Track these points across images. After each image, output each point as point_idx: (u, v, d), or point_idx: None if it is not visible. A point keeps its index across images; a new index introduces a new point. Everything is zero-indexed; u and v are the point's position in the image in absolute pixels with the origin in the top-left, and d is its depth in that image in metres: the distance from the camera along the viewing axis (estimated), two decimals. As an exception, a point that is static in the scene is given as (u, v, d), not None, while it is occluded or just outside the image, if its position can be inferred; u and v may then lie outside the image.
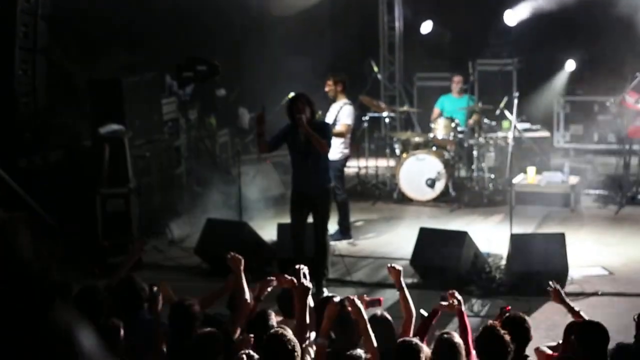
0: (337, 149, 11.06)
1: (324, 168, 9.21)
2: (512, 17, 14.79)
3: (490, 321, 5.53)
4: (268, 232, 10.75)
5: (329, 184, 9.30)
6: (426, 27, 15.34)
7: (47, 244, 8.60)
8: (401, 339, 5.40)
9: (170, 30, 13.72)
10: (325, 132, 9.17)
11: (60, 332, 2.22)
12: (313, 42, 14.98)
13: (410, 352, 5.06)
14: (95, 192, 10.61)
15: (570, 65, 14.93)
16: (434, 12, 15.38)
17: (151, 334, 5.79)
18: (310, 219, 9.27)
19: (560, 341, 5.90)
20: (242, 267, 6.26)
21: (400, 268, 6.38)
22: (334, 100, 11.15)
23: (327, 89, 11.15)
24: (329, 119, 11.14)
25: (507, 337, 5.23)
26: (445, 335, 5.33)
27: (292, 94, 11.42)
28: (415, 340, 5.35)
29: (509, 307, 6.10)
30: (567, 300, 6.22)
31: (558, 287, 6.30)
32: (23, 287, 2.12)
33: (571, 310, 6.12)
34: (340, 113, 11.04)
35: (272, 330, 5.15)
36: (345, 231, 11.24)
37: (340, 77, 11.15)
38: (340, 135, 10.99)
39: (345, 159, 11.27)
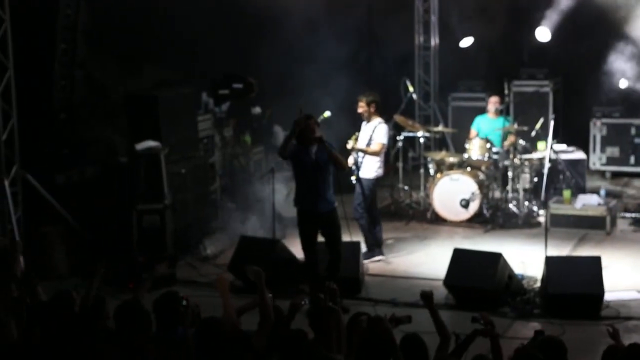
0: (371, 169, 11.07)
1: (329, 187, 9.34)
2: (544, 33, 14.74)
3: (523, 343, 5.49)
4: (301, 251, 10.74)
5: (334, 203, 9.41)
6: (466, 42, 15.30)
7: (86, 262, 8.65)
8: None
9: (208, 47, 13.80)
10: (335, 151, 9.36)
11: None
12: (348, 61, 15.01)
13: None
14: (131, 207, 10.68)
15: (623, 83, 14.77)
16: (470, 30, 15.35)
17: (186, 350, 5.81)
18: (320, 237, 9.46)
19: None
20: (262, 279, 6.28)
21: (431, 292, 6.37)
22: (367, 120, 11.17)
23: (360, 110, 11.16)
24: (362, 138, 11.15)
25: (541, 357, 5.19)
26: (480, 358, 5.31)
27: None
28: None
29: (543, 330, 6.07)
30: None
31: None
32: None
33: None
34: (375, 132, 11.05)
35: (307, 348, 5.16)
36: (372, 249, 11.19)
37: (371, 98, 11.18)
38: (374, 154, 11.01)
39: (378, 180, 11.26)
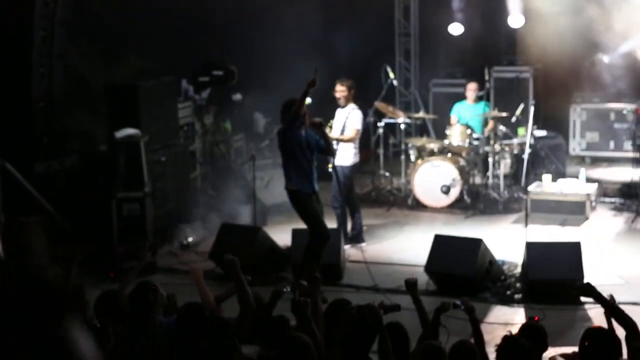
0: (347, 156, 11.06)
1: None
2: (516, 19, 14.77)
3: (510, 330, 5.52)
4: (282, 238, 10.76)
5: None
6: (455, 29, 15.25)
7: (64, 248, 8.65)
8: (426, 342, 5.42)
9: (187, 35, 13.75)
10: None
11: (64, 350, 2.23)
12: (329, 47, 14.99)
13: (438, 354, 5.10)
14: (111, 196, 10.65)
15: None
16: (452, 18, 15.35)
17: (165, 339, 5.81)
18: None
19: (575, 349, 5.89)
20: (237, 267, 6.27)
21: (416, 280, 6.39)
22: (342, 106, 11.15)
23: (339, 95, 11.13)
24: (336, 125, 11.15)
25: (529, 345, 5.21)
26: (461, 342, 5.34)
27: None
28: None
29: (538, 318, 6.10)
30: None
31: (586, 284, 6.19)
32: (36, 298, 2.12)
33: (604, 303, 6.00)
34: (349, 118, 11.04)
35: (290, 335, 5.16)
36: (353, 238, 11.23)
37: (351, 82, 11.19)
38: (350, 140, 11.00)
39: (354, 166, 11.23)
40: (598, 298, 5.97)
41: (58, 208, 11.03)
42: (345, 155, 11.05)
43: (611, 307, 5.92)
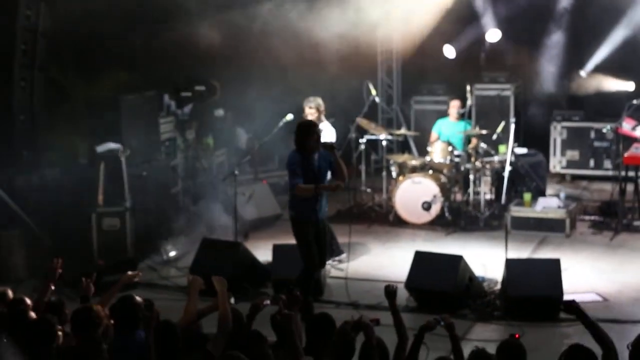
0: None
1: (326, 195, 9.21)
2: (493, 35, 14.85)
3: (478, 345, 5.53)
4: (263, 253, 10.75)
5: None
6: (448, 51, 15.15)
7: (44, 263, 8.59)
8: None
9: (169, 50, 13.74)
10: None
11: None
12: (310, 63, 15.03)
13: None
14: (91, 210, 10.61)
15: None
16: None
17: (145, 353, 5.79)
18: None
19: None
20: (225, 288, 6.27)
21: (396, 288, 6.41)
22: None
23: (310, 117, 11.10)
24: None
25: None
26: (441, 359, 5.36)
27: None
28: None
29: (519, 335, 6.11)
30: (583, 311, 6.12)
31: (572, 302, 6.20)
32: None
33: (587, 322, 6.01)
34: (324, 135, 11.03)
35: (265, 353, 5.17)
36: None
37: (319, 101, 11.20)
38: None
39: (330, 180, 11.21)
40: (581, 317, 6.00)
41: (38, 222, 10.98)
42: None
43: (592, 326, 5.94)
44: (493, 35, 14.84)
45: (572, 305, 6.04)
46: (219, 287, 6.27)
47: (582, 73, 13.65)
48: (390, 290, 6.42)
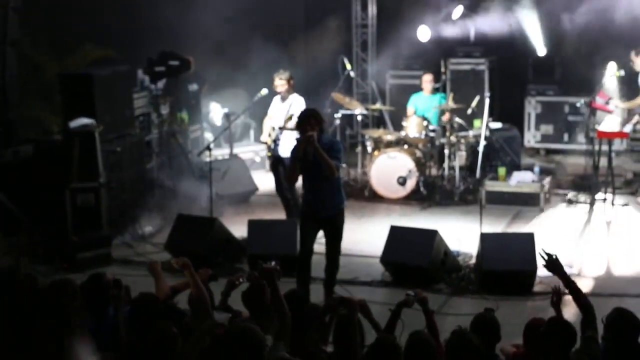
0: (290, 147, 11.08)
1: (337, 187, 8.62)
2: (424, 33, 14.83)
3: (459, 325, 5.55)
4: (238, 229, 10.73)
5: (343, 204, 8.76)
6: (422, 33, 15.04)
7: (17, 238, 8.55)
8: (382, 336, 5.48)
9: (142, 24, 13.65)
10: (335, 151, 8.44)
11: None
12: (287, 36, 15.01)
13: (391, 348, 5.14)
14: (65, 186, 10.55)
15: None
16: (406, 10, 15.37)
17: (116, 331, 5.79)
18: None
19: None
20: (189, 268, 6.27)
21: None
22: (284, 98, 11.19)
23: (279, 89, 11.13)
24: (278, 116, 11.16)
25: (477, 341, 5.25)
26: (416, 333, 5.38)
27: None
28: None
29: (492, 308, 6.17)
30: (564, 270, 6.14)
31: (554, 256, 6.19)
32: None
33: (567, 281, 6.03)
34: (294, 106, 11.02)
35: (237, 325, 5.17)
36: None
37: (289, 74, 11.24)
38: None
39: None
40: (562, 275, 6.03)
41: (11, 198, 10.90)
42: (286, 147, 10.96)
43: (571, 286, 5.96)
44: (423, 34, 14.84)
45: (554, 261, 6.06)
46: (183, 268, 6.25)
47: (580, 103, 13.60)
48: (419, 297, 6.29)
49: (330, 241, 8.83)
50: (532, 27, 14.73)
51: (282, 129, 11.04)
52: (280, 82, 11.11)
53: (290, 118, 10.90)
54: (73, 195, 10.51)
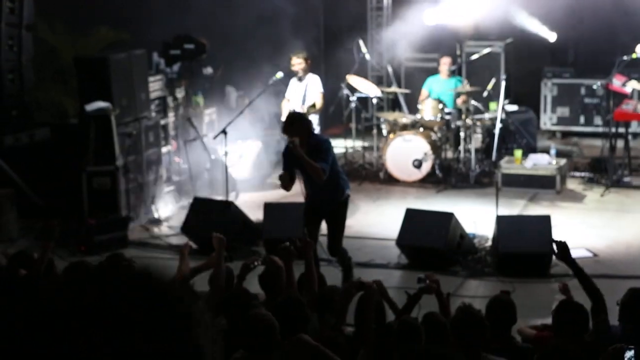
0: None
1: (336, 182, 8.53)
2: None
3: (464, 301, 5.58)
4: (254, 212, 10.75)
5: (344, 195, 8.71)
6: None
7: (34, 221, 8.56)
8: (403, 318, 5.51)
9: (158, 8, 13.65)
10: (323, 152, 8.34)
11: None
12: (303, 20, 14.93)
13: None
14: (82, 169, 10.59)
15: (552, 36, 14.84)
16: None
17: None
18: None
19: (541, 322, 5.96)
20: (223, 247, 6.33)
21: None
22: (301, 78, 11.21)
23: (296, 68, 11.19)
24: (296, 97, 11.17)
25: (481, 315, 5.26)
26: (430, 315, 5.41)
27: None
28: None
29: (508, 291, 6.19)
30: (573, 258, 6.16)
31: (564, 242, 6.23)
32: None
33: (576, 269, 6.05)
34: (310, 86, 11.05)
35: (251, 311, 5.18)
36: None
37: (306, 53, 11.28)
38: (320, 108, 11.10)
39: None
40: (571, 263, 6.04)
41: (27, 181, 10.96)
42: None
43: (581, 275, 5.97)
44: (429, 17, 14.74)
45: (564, 247, 6.08)
46: (217, 245, 6.30)
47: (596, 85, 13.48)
48: (430, 279, 6.33)
49: (331, 232, 8.80)
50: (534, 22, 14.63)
51: (310, 112, 11.08)
52: (297, 61, 11.14)
53: (313, 106, 10.95)
54: (89, 179, 10.55)
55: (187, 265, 6.63)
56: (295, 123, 8.38)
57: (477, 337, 5.06)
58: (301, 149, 8.12)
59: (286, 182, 8.35)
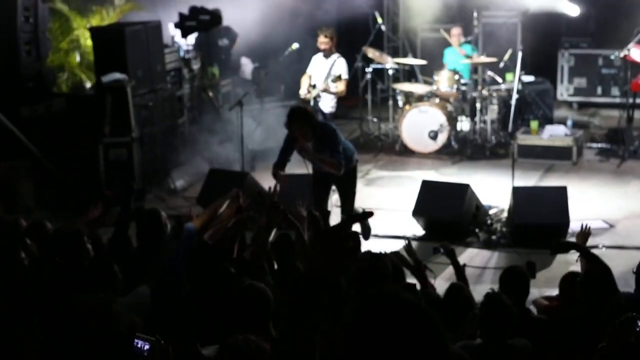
0: (325, 105, 11.09)
1: (340, 162, 8.35)
2: None
3: (493, 288, 5.55)
4: (270, 183, 10.74)
5: (352, 163, 8.68)
6: None
7: (51, 192, 8.59)
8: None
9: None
10: (331, 144, 8.31)
11: None
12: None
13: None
14: (98, 141, 10.62)
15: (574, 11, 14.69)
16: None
17: (172, 261, 5.89)
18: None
19: (556, 293, 5.97)
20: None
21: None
22: (327, 56, 11.13)
23: (323, 46, 11.08)
24: (320, 73, 11.11)
25: (510, 302, 5.22)
26: (456, 284, 5.47)
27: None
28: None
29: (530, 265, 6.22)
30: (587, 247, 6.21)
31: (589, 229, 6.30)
32: None
33: (589, 256, 6.07)
34: (336, 67, 11.00)
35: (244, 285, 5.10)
36: None
37: (332, 30, 11.19)
38: (342, 92, 11.05)
39: (331, 115, 11.20)
40: (574, 247, 6.07)
41: (44, 152, 11.00)
42: (324, 104, 11.08)
43: (587, 254, 5.99)
44: None
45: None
46: (236, 195, 6.40)
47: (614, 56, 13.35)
48: (446, 249, 6.42)
49: (343, 196, 8.85)
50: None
51: (325, 91, 11.03)
52: (324, 40, 11.06)
53: (338, 77, 10.88)
54: (105, 150, 10.58)
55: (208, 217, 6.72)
56: (299, 120, 8.27)
57: (504, 325, 5.03)
58: (313, 153, 8.29)
59: (277, 176, 8.45)
